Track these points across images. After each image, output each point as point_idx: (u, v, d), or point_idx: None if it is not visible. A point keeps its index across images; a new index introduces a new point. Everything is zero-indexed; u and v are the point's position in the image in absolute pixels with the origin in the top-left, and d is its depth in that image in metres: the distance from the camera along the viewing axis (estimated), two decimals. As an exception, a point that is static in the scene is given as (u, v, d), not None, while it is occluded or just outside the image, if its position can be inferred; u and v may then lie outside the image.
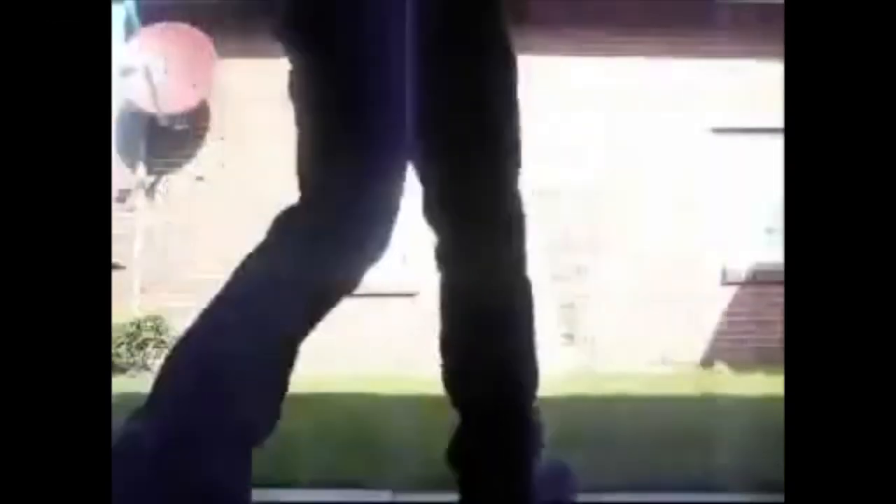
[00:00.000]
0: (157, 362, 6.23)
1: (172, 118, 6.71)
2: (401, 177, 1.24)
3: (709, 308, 6.67)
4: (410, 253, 6.98)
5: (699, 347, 6.76)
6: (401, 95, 1.19)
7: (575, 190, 6.61)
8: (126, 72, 6.65)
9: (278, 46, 1.26)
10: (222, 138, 6.86)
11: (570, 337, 6.56)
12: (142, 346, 6.11)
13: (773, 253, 6.62)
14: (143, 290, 6.57)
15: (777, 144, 6.66)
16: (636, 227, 6.70)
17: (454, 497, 1.33)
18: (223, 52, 6.64)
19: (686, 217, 6.77)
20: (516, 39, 1.30)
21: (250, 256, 1.18)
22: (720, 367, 6.43)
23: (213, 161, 6.85)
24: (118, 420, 0.98)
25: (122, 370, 5.91)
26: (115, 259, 6.26)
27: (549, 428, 1.40)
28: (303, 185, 1.24)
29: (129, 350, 6.02)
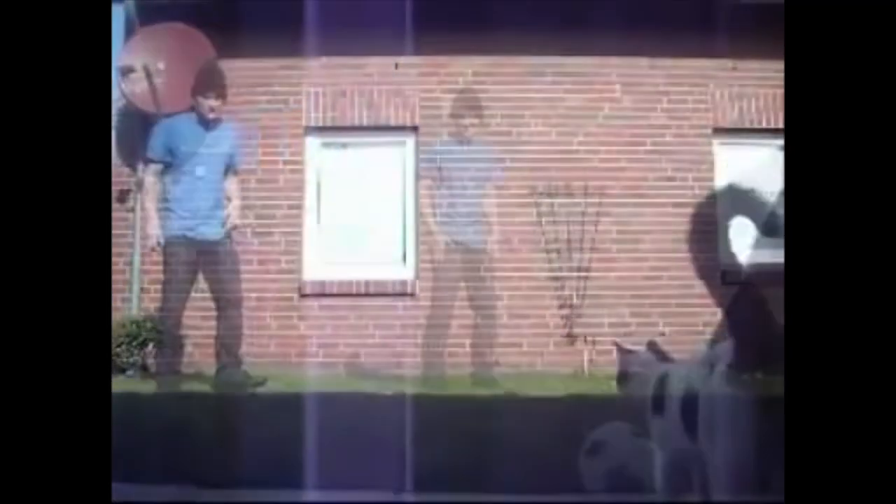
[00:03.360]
0: (156, 362, 6.22)
1: (172, 118, 6.70)
2: None
3: (708, 308, 6.65)
4: (410, 253, 6.99)
5: (699, 348, 6.76)
6: None
7: (575, 190, 6.60)
8: (126, 72, 6.64)
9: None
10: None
11: (570, 337, 6.55)
12: (142, 345, 6.09)
13: (772, 253, 6.62)
14: (143, 290, 6.56)
15: (777, 145, 6.66)
16: (636, 227, 6.69)
17: (453, 497, 1.33)
18: (223, 53, 6.63)
19: (686, 217, 6.76)
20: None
21: None
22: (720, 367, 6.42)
23: (213, 161, 6.83)
24: (118, 420, 0.98)
25: (122, 370, 5.89)
26: (115, 259, 6.24)
27: (550, 428, 1.40)
28: None
29: (128, 350, 6.01)
